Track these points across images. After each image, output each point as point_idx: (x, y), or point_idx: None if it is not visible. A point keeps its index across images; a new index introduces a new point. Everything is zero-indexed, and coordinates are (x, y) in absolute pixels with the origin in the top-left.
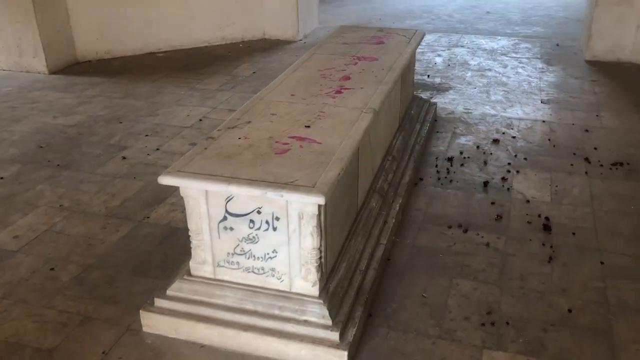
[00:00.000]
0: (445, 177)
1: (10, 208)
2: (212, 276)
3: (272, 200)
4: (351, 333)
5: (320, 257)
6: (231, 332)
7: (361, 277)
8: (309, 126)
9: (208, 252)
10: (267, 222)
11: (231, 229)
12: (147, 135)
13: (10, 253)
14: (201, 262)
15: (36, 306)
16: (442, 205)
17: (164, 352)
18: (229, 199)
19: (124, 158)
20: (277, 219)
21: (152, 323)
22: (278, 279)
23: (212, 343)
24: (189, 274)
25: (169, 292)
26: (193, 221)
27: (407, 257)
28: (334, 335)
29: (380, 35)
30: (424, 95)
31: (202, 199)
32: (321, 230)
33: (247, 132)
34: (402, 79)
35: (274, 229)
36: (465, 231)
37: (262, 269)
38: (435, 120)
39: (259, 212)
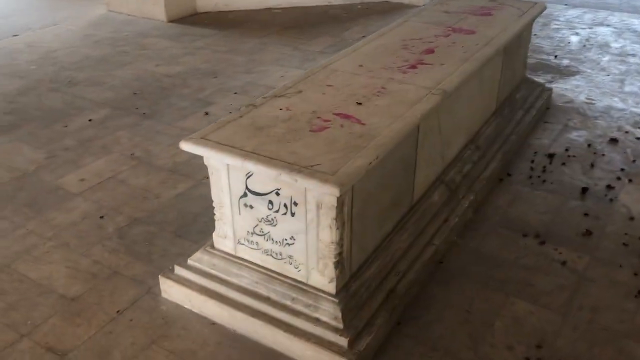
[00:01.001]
0: (539, 176)
1: (87, 151)
2: (232, 252)
3: (290, 183)
4: (365, 341)
5: (341, 253)
6: (240, 315)
7: (396, 280)
8: (361, 103)
9: (229, 227)
10: (285, 205)
11: (251, 207)
12: (235, 93)
13: (71, 196)
14: (223, 236)
15: (75, 253)
16: (526, 208)
17: (174, 322)
18: (249, 175)
19: (206, 114)
20: (295, 204)
21: (170, 290)
22: (295, 268)
23: (223, 322)
24: (212, 247)
25: (190, 261)
26: (216, 193)
27: (463, 262)
28: (343, 341)
29: (491, 5)
30: (543, 78)
31: (223, 171)
32: (344, 224)
33: (292, 103)
34: (506, 57)
35: (292, 214)
36: (542, 243)
37: (280, 254)
38: (548, 109)
39: (277, 194)
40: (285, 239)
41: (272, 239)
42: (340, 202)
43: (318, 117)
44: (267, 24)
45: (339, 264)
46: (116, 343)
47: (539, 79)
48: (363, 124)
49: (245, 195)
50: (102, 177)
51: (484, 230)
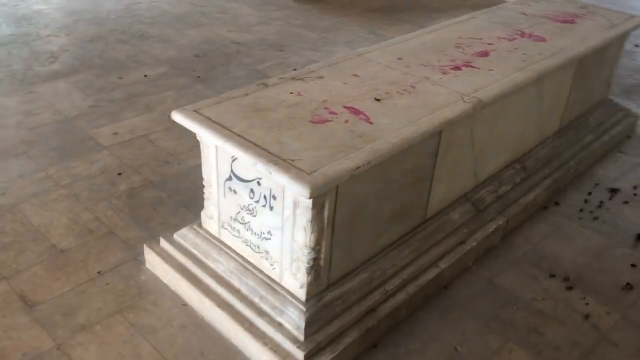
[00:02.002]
0: (591, 212)
1: (131, 106)
2: (216, 235)
3: (266, 174)
4: (325, 358)
5: (317, 259)
6: (209, 302)
7: (382, 298)
8: (379, 99)
9: (215, 208)
10: (265, 197)
11: (235, 191)
12: (294, 70)
13: (99, 147)
14: (209, 216)
15: (81, 205)
16: (563, 244)
17: (147, 294)
18: (234, 158)
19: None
20: (274, 197)
21: (152, 261)
22: (271, 265)
23: (193, 306)
24: (199, 226)
25: (175, 236)
26: (205, 170)
27: (471, 292)
28: (299, 354)
29: (578, 12)
30: (630, 102)
31: (212, 149)
32: (323, 228)
33: (306, 88)
34: (579, 73)
35: (271, 207)
36: (570, 288)
37: (258, 247)
38: (629, 137)
39: (258, 183)
40: (263, 233)
41: (252, 230)
42: (319, 204)
43: (325, 108)
44: (352, 3)
45: (312, 270)
46: (85, 304)
47: (630, 104)
48: (370, 123)
49: (230, 178)
50: (134, 134)
51: (507, 260)
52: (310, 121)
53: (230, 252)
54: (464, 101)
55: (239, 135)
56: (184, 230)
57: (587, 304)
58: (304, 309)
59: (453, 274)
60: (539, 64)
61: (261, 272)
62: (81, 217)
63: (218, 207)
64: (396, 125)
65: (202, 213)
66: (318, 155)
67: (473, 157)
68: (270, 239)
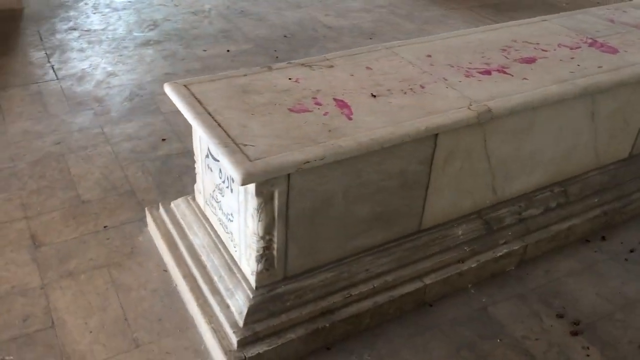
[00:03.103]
0: None
1: (192, 75)
2: (202, 209)
3: None
4: (258, 349)
5: (269, 249)
6: (178, 272)
7: (343, 301)
8: (375, 96)
9: (201, 182)
10: (228, 178)
11: (211, 169)
12: None
13: (158, 113)
14: (199, 190)
15: (117, 163)
16: (589, 285)
17: (137, 255)
18: None
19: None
20: (233, 180)
21: (150, 225)
22: (234, 247)
23: (170, 273)
24: (193, 198)
25: (172, 204)
26: (194, 145)
27: (456, 315)
28: (233, 339)
29: None
30: None
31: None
32: (274, 219)
33: (308, 76)
34: None
35: (231, 190)
36: (575, 334)
37: (227, 227)
38: None
39: None
40: (228, 214)
41: (222, 210)
42: (267, 193)
43: (314, 98)
44: None
45: (262, 259)
46: (81, 253)
47: None
48: (350, 119)
49: (207, 155)
50: None
51: (513, 290)
52: (289, 109)
53: (208, 228)
54: (470, 109)
55: (209, 114)
56: (179, 200)
57: (587, 355)
58: (251, 296)
59: (442, 292)
60: (588, 77)
61: (227, 252)
62: (112, 174)
63: (202, 182)
64: (377, 124)
65: (195, 186)
66: (275, 144)
67: (489, 171)
68: (232, 221)
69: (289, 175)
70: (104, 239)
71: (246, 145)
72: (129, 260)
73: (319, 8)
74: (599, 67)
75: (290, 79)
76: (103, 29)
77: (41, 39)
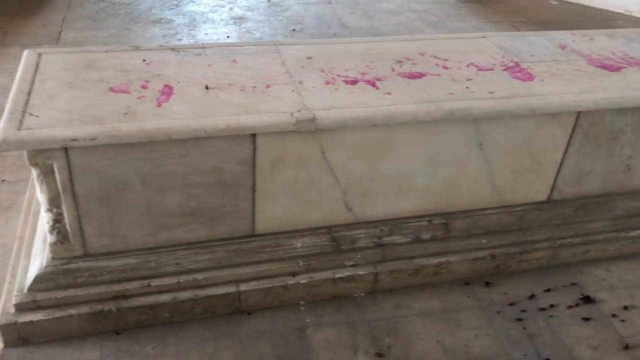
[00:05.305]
0: (524, 311)
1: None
2: None
3: None
4: (31, 317)
5: (59, 223)
6: (17, 234)
7: (141, 290)
8: (209, 88)
9: None
10: None
11: None
12: None
13: None
14: None
15: None
16: (436, 329)
17: (9, 211)
18: None
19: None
20: None
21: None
22: None
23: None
24: None
25: None
26: None
27: (264, 329)
28: (12, 302)
29: None
30: None
31: None
32: (58, 194)
33: (165, 60)
34: (589, 136)
35: None
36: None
37: None
38: None
39: None
40: None
41: None
42: (44, 166)
43: (146, 81)
44: (519, 11)
45: (53, 231)
46: None
47: None
48: (159, 106)
49: None
50: None
51: (346, 317)
52: (110, 88)
53: None
54: (292, 115)
55: (32, 82)
56: None
57: None
58: (44, 265)
59: (266, 303)
60: (463, 102)
61: None
62: None
63: None
64: (183, 115)
65: None
66: (60, 118)
67: (337, 186)
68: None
69: (66, 150)
70: None
71: (32, 115)
72: (1, 214)
73: (349, 6)
74: (489, 92)
75: (144, 60)
76: None
77: (69, 7)
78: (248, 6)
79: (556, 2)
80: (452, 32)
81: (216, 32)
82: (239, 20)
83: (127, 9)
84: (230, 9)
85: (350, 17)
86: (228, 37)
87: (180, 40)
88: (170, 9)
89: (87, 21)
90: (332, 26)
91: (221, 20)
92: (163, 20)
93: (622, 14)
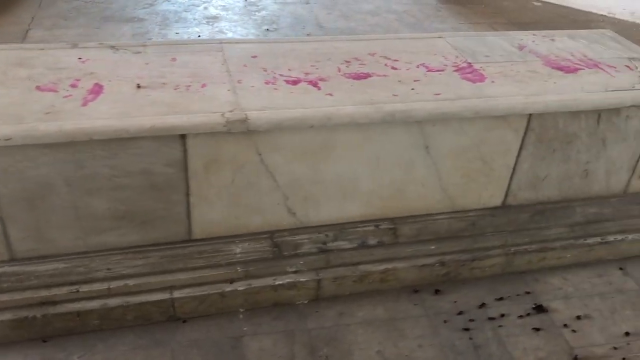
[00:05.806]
0: (472, 320)
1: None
2: None
3: None
4: None
5: None
6: None
7: (68, 296)
8: (140, 87)
9: None
10: None
11: None
12: None
13: None
14: None
15: None
16: (378, 339)
17: None
18: None
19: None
20: None
21: None
22: None
23: None
24: None
25: None
26: None
27: (197, 337)
28: None
29: (611, 63)
30: None
31: None
32: None
33: (100, 58)
34: (542, 141)
35: None
36: None
37: None
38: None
39: None
40: None
41: None
42: None
43: (77, 79)
44: (500, 13)
45: None
46: None
47: None
48: (84, 105)
49: None
50: None
51: (286, 326)
52: (37, 87)
53: None
54: (222, 115)
55: None
56: None
57: None
58: None
59: (202, 310)
60: (405, 104)
61: None
62: None
63: None
64: (107, 114)
65: None
66: None
67: (278, 190)
68: None
69: None
70: None
71: None
72: None
73: (327, 6)
74: (435, 94)
75: (80, 58)
76: None
77: (39, 6)
78: (223, 5)
79: (539, 4)
80: (425, 31)
81: (187, 31)
82: (212, 19)
83: (100, 8)
84: (205, 8)
85: (327, 17)
86: (199, 36)
87: (149, 39)
88: (144, 7)
89: (57, 20)
90: (307, 26)
91: (194, 19)
92: (135, 19)
93: (605, 15)
